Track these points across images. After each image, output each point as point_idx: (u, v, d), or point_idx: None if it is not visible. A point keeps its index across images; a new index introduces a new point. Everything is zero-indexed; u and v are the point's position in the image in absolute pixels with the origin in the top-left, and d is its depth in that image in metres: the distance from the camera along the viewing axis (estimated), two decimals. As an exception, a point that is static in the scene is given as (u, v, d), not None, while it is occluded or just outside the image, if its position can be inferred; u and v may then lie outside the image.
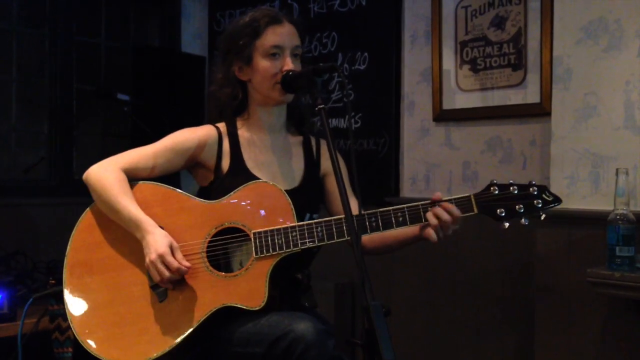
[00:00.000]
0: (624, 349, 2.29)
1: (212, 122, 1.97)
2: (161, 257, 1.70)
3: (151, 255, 1.71)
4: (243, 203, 1.81)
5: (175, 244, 1.74)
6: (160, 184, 1.87)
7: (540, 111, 2.74)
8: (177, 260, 1.71)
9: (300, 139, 2.03)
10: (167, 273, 1.70)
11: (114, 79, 3.89)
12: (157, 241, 1.71)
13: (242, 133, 1.95)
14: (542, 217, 1.77)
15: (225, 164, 1.91)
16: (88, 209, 1.87)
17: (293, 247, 1.75)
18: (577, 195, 2.39)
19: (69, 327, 2.07)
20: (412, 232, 1.86)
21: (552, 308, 2.46)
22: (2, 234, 3.10)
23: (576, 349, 2.40)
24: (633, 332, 2.27)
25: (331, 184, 2.00)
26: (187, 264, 1.73)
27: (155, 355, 1.72)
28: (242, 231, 1.79)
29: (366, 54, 3.32)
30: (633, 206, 2.20)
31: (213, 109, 1.99)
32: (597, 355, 2.35)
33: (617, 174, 2.16)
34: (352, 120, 3.35)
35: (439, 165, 3.10)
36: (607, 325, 2.33)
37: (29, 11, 3.61)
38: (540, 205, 1.75)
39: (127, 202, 1.77)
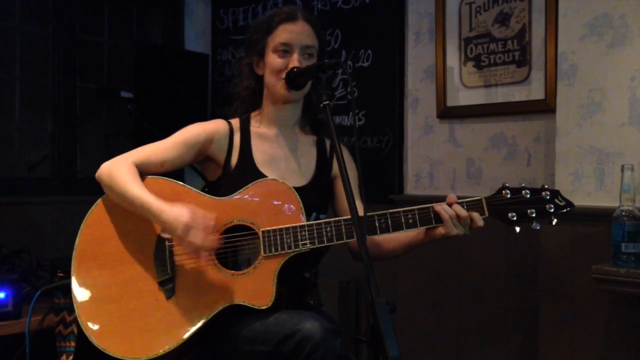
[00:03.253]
0: (629, 345, 2.28)
1: (230, 117, 1.98)
2: (189, 225, 1.66)
3: (178, 229, 1.66)
4: (252, 200, 1.80)
5: (190, 205, 1.70)
6: (169, 179, 1.87)
7: (544, 108, 2.73)
8: (202, 216, 1.67)
9: (314, 138, 2.03)
10: (201, 236, 1.65)
11: (117, 77, 3.90)
12: (175, 214, 1.68)
13: (254, 128, 1.96)
14: (554, 222, 1.75)
15: (234, 159, 1.91)
16: (99, 200, 1.87)
17: (302, 247, 1.74)
18: (582, 191, 2.38)
19: (73, 322, 2.07)
20: (420, 235, 1.84)
21: (557, 305, 2.46)
22: (6, 232, 3.11)
23: (581, 345, 2.39)
24: (639, 329, 2.27)
25: (340, 185, 1.99)
26: (212, 215, 1.69)
27: (161, 352, 1.72)
28: (251, 229, 1.79)
29: (370, 51, 3.31)
30: (639, 202, 2.19)
31: (234, 103, 2.01)
32: (602, 352, 2.34)
33: (622, 170, 2.16)
34: (356, 118, 3.34)
35: (443, 162, 3.09)
36: (612, 321, 2.33)
37: (32, 10, 3.61)
38: (552, 210, 1.74)
39: (137, 189, 1.76)
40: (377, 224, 1.75)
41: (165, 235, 1.80)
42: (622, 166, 2.16)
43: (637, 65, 2.28)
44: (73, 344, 2.34)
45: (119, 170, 1.80)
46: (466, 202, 1.76)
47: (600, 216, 2.28)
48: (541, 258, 2.52)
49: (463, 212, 1.73)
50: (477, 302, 2.93)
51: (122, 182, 1.78)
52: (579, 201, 2.37)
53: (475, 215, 1.74)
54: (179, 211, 1.69)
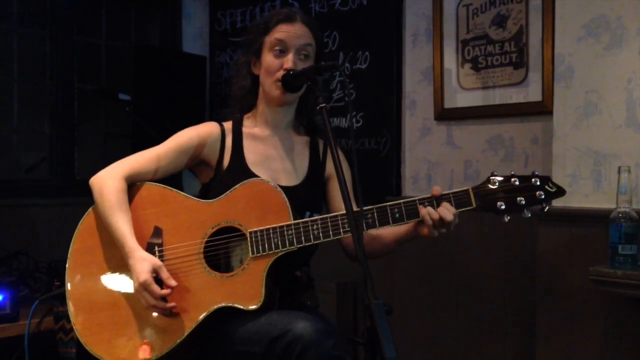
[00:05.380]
0: (625, 346, 2.28)
1: (227, 117, 1.99)
2: (143, 286, 1.69)
3: (134, 283, 1.72)
4: (239, 202, 1.80)
5: (158, 264, 1.73)
6: (157, 184, 1.88)
7: (541, 109, 2.73)
8: (164, 281, 1.71)
9: (307, 138, 2.04)
10: (152, 301, 1.70)
11: (115, 79, 3.89)
12: (138, 268, 1.71)
13: (247, 129, 1.96)
14: (546, 209, 1.72)
15: (226, 160, 1.91)
16: (90, 209, 1.87)
17: (289, 246, 1.74)
18: (579, 193, 2.38)
19: (72, 328, 2.06)
20: (407, 229, 1.84)
21: (554, 307, 2.46)
22: (3, 234, 3.10)
23: (578, 347, 2.40)
24: (635, 330, 2.27)
25: (333, 186, 1.99)
26: (173, 283, 1.72)
27: (155, 356, 1.72)
28: (239, 230, 1.79)
29: (367, 53, 3.32)
30: (635, 204, 2.19)
31: (231, 103, 2.03)
32: (599, 353, 2.35)
33: (619, 172, 2.16)
34: (354, 120, 3.35)
35: (441, 164, 3.10)
36: (609, 323, 2.33)
37: (29, 11, 3.61)
38: (543, 197, 1.70)
39: (118, 219, 1.77)
40: (363, 219, 1.74)
41: (155, 241, 1.80)
42: (619, 168, 2.16)
43: (634, 67, 2.29)
44: (74, 350, 2.34)
45: (108, 188, 1.80)
46: (453, 193, 1.74)
47: (597, 218, 2.28)
48: (538, 259, 2.53)
49: (449, 215, 1.71)
50: (474, 303, 2.93)
51: (109, 205, 1.78)
52: (576, 203, 2.37)
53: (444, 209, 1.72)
54: (141, 267, 1.70)
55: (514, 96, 2.84)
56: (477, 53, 2.95)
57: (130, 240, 1.75)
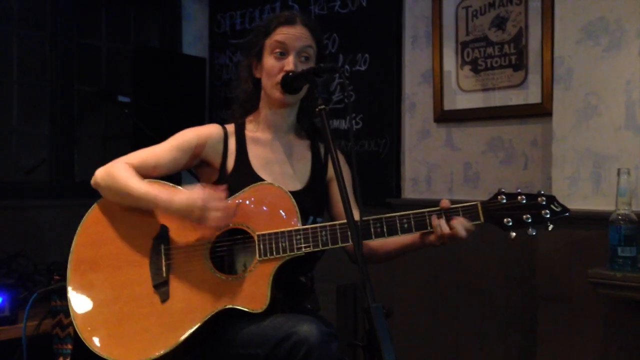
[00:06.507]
0: (625, 349, 2.28)
1: (228, 119, 2.00)
2: (204, 209, 1.69)
3: (194, 213, 1.70)
4: (248, 204, 1.80)
5: (192, 187, 1.74)
6: (163, 182, 1.87)
7: (541, 111, 2.74)
8: (215, 198, 1.71)
9: (308, 142, 2.04)
10: (221, 204, 1.70)
11: (114, 81, 3.90)
12: (188, 199, 1.71)
13: (249, 132, 1.96)
14: (550, 228, 1.75)
15: (230, 163, 1.91)
16: (95, 204, 1.87)
17: (297, 251, 1.74)
18: (579, 195, 2.38)
19: (69, 324, 2.06)
20: (415, 239, 1.85)
21: (554, 309, 2.46)
22: (3, 235, 3.10)
23: (578, 349, 2.39)
24: (635, 332, 2.27)
25: (335, 189, 2.00)
26: (218, 190, 1.73)
27: (156, 354, 1.71)
28: (247, 233, 1.79)
29: (367, 55, 3.32)
30: (635, 206, 2.20)
31: (232, 106, 2.03)
32: (599, 356, 2.34)
33: (618, 174, 2.16)
34: (353, 122, 3.35)
35: (440, 166, 3.10)
36: (608, 325, 2.33)
37: (29, 13, 3.61)
38: (548, 216, 1.74)
39: (139, 183, 1.77)
40: (372, 228, 1.75)
41: (161, 240, 1.79)
42: (618, 170, 2.16)
43: (633, 69, 2.29)
44: (70, 346, 2.33)
45: (118, 170, 1.81)
46: (461, 207, 1.77)
47: (597, 220, 2.28)
48: (538, 262, 2.53)
49: (462, 232, 1.72)
50: (474, 305, 2.93)
51: (123, 179, 1.78)
52: (576, 205, 2.37)
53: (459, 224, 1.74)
54: (189, 196, 1.71)
55: (514, 98, 2.84)
56: (477, 55, 2.95)
57: (161, 191, 1.76)
